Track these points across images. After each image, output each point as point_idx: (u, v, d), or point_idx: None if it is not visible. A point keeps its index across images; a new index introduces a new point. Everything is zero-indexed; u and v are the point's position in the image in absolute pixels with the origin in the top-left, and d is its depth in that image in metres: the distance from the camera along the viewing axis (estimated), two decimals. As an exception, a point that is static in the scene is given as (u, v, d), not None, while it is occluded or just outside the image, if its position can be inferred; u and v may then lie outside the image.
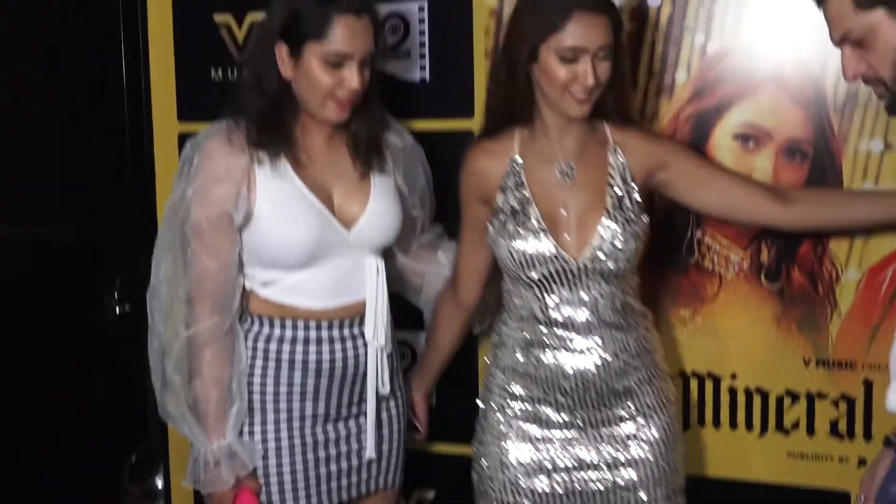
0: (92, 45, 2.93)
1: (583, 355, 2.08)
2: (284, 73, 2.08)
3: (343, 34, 2.02)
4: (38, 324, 3.14)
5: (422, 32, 2.54)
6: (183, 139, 2.72)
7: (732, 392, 2.40)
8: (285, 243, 2.08)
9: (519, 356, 2.14)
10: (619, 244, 2.06)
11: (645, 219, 2.11)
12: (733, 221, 2.25)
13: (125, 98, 2.89)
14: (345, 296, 2.16)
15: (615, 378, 2.09)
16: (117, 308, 3.01)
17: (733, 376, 2.39)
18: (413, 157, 2.33)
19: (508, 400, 2.15)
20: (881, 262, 2.25)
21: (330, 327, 2.15)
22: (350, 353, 2.17)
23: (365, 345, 2.19)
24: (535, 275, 2.08)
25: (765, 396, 2.37)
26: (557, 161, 2.10)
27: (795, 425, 2.36)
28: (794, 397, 2.35)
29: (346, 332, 2.17)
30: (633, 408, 2.11)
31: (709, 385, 2.41)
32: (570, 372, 2.09)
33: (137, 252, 2.91)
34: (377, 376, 2.20)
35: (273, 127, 2.09)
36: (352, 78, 2.05)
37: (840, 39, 1.73)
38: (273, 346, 2.14)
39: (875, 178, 2.22)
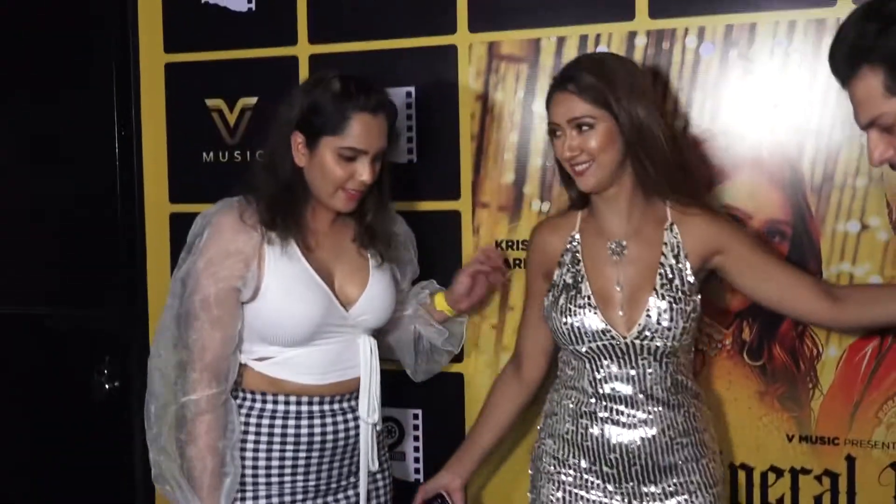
0: (85, 126, 2.96)
1: (629, 429, 2.09)
2: (298, 160, 2.15)
3: (359, 131, 2.10)
4: (27, 400, 3.13)
5: (409, 116, 2.60)
6: (174, 220, 2.81)
7: (718, 468, 2.40)
8: (290, 320, 2.12)
9: (569, 425, 2.15)
10: (665, 323, 2.07)
11: (696, 298, 2.11)
12: (781, 313, 2.25)
13: (117, 179, 2.91)
14: (339, 373, 2.19)
15: (661, 454, 2.10)
16: (106, 386, 3.00)
17: (718, 452, 2.40)
18: (407, 244, 2.40)
19: (558, 467, 2.17)
20: (860, 340, 2.28)
21: (321, 402, 2.18)
22: (341, 427, 2.19)
23: (356, 419, 2.22)
24: (583, 349, 2.11)
25: (749, 472, 2.39)
26: (610, 239, 2.15)
27: (780, 501, 2.37)
28: (779, 473, 2.37)
29: (338, 406, 2.20)
30: (678, 485, 2.11)
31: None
32: (616, 445, 2.10)
33: (126, 331, 2.95)
34: (368, 453, 2.23)
35: (285, 211, 2.13)
36: (363, 172, 2.12)
37: (868, 124, 1.64)
38: (265, 421, 2.16)
39: (853, 259, 2.27)
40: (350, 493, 2.25)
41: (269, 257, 2.12)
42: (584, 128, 2.07)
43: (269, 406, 2.16)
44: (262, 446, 2.15)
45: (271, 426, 2.15)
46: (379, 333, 2.36)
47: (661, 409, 2.10)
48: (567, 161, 2.10)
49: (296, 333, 2.13)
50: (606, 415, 2.11)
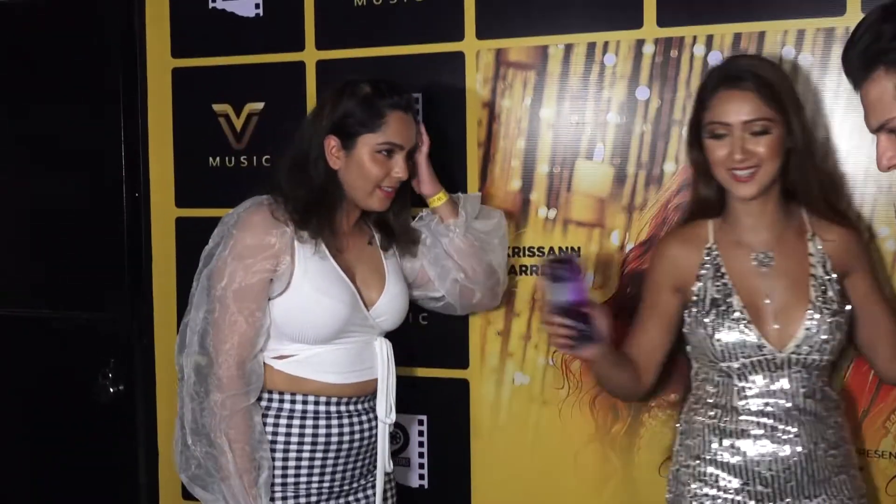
0: (91, 130, 2.94)
1: (784, 445, 2.01)
2: (332, 164, 2.16)
3: (396, 127, 2.15)
4: (31, 401, 3.11)
5: (417, 122, 2.57)
6: (180, 224, 2.79)
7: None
8: (319, 316, 2.12)
9: (714, 444, 2.05)
10: (824, 336, 1.99)
11: (848, 308, 2.04)
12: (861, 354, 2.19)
13: (123, 183, 2.89)
14: (358, 373, 2.20)
15: (816, 468, 2.01)
16: (111, 389, 2.98)
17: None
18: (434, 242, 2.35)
19: (705, 489, 2.06)
20: (867, 352, 2.25)
21: (340, 403, 2.18)
22: (360, 428, 2.20)
23: (373, 420, 2.22)
24: (736, 364, 2.02)
25: (756, 481, 2.36)
26: (754, 250, 2.06)
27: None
28: (785, 482, 2.34)
29: (359, 407, 2.21)
30: (830, 498, 2.03)
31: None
32: (771, 461, 2.01)
33: (131, 335, 2.92)
34: (385, 453, 2.24)
35: (319, 214, 2.14)
36: (399, 168, 2.16)
37: (878, 127, 1.59)
38: (285, 422, 2.15)
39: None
40: (363, 494, 2.25)
41: (299, 253, 2.13)
42: (759, 131, 1.97)
43: (288, 406, 2.16)
44: (282, 446, 2.15)
45: (290, 426, 2.15)
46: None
47: (813, 422, 2.01)
48: (730, 166, 1.98)
49: (323, 329, 2.13)
50: (760, 432, 2.01)
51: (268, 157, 2.73)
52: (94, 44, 2.94)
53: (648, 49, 2.38)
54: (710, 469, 2.05)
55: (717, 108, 1.99)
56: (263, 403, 2.15)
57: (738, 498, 2.03)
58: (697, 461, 2.08)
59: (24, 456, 3.15)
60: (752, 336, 1.99)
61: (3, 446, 3.16)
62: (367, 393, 2.22)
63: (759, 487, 2.01)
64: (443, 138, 2.51)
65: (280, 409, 2.15)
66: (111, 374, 2.98)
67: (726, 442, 2.04)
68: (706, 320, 2.03)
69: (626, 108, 2.41)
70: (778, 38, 2.29)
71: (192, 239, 2.76)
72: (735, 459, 2.03)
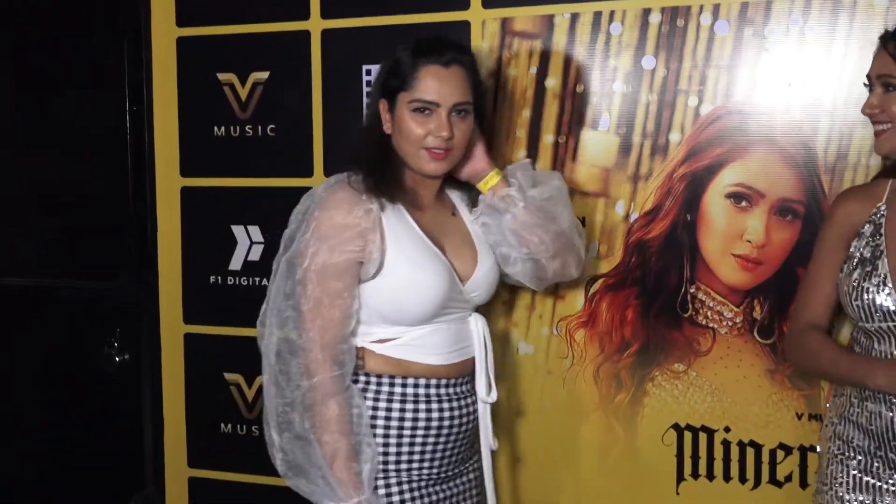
0: (97, 100, 2.93)
1: None
2: (385, 128, 2.08)
3: (429, 83, 2.01)
4: (39, 370, 3.11)
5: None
6: (185, 194, 2.78)
7: (726, 445, 2.39)
8: (418, 293, 2.01)
9: (855, 406, 2.02)
10: None
11: None
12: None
13: (129, 153, 2.88)
14: (458, 353, 2.10)
15: None
16: (117, 358, 2.99)
17: (727, 429, 2.39)
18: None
19: (844, 449, 2.03)
20: (872, 319, 2.24)
21: (446, 385, 2.09)
22: (464, 412, 2.11)
23: (474, 401, 2.13)
24: (872, 327, 1.98)
25: (758, 449, 2.37)
26: None
27: (788, 478, 2.36)
28: (788, 451, 2.35)
29: (461, 389, 2.11)
30: None
31: (703, 438, 2.41)
32: None
33: (138, 303, 2.92)
34: (488, 431, 2.15)
35: (383, 176, 2.05)
36: (439, 127, 2.01)
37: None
38: (395, 405, 2.05)
39: (864, 237, 2.23)
40: (467, 478, 2.17)
41: (389, 230, 2.02)
42: (891, 88, 1.93)
43: (397, 389, 2.05)
44: (388, 431, 2.04)
45: (401, 410, 2.05)
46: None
47: None
48: (869, 118, 1.97)
49: (424, 308, 2.02)
50: (891, 398, 1.94)
51: (273, 126, 2.72)
52: (98, 14, 2.91)
53: (655, 18, 2.36)
54: (849, 429, 2.03)
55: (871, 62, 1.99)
56: (372, 388, 2.05)
57: (875, 463, 1.99)
58: (840, 421, 2.05)
59: (31, 425, 3.16)
60: (889, 301, 1.94)
61: (11, 415, 3.17)
62: (466, 373, 2.12)
63: (892, 455, 1.97)
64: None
65: (390, 394, 2.05)
66: (117, 344, 2.99)
67: (865, 406, 2.00)
68: (851, 278, 1.99)
69: (632, 78, 2.39)
70: (785, 6, 2.27)
71: (197, 208, 2.81)
72: (870, 423, 1.98)
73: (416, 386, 2.06)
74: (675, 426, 2.43)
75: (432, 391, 2.07)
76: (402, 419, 2.05)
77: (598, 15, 2.41)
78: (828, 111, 2.25)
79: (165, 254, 2.86)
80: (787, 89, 2.29)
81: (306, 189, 2.62)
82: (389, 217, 2.04)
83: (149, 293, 2.88)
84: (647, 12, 2.37)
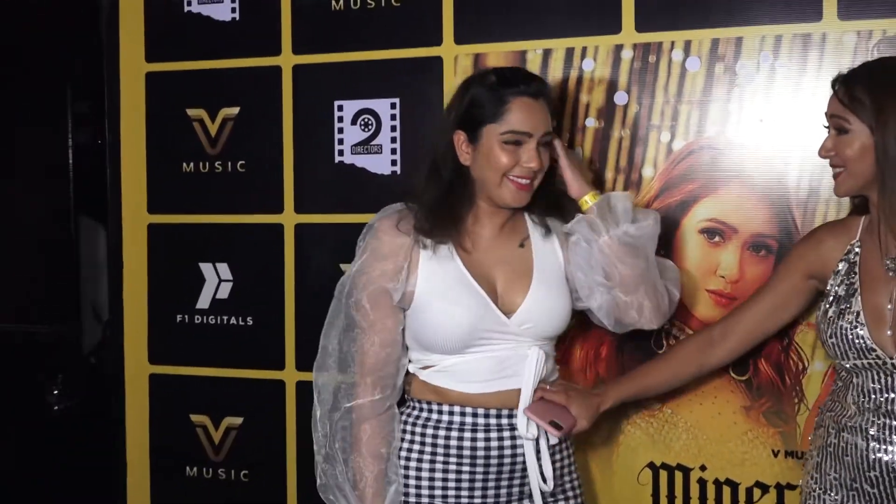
0: (41, 138, 2.95)
1: (891, 447, 1.99)
2: (463, 159, 2.13)
3: (520, 115, 2.08)
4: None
5: (393, 128, 2.62)
6: (153, 231, 2.81)
7: (702, 484, 2.43)
8: (443, 326, 2.09)
9: (832, 437, 2.06)
10: None
11: None
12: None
13: (71, 189, 2.89)
14: (502, 382, 2.12)
15: None
16: (58, 404, 2.99)
17: (703, 468, 2.43)
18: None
19: (822, 482, 2.07)
20: (846, 354, 2.30)
21: (486, 415, 2.12)
22: (505, 444, 2.12)
23: (518, 435, 2.13)
24: (847, 364, 2.02)
25: (734, 488, 2.41)
26: (887, 254, 2.03)
27: (766, 517, 2.40)
28: (765, 489, 2.39)
29: (503, 421, 2.12)
30: None
31: (678, 477, 2.44)
32: (876, 461, 1.99)
33: (79, 348, 2.92)
34: (538, 471, 2.13)
35: (445, 214, 2.12)
36: (530, 158, 2.08)
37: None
38: (429, 431, 2.13)
39: (837, 272, 2.29)
40: None
41: (422, 262, 2.12)
42: (843, 131, 2.00)
43: (434, 416, 2.13)
44: (426, 456, 2.12)
45: (434, 436, 2.13)
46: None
47: None
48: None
49: (450, 338, 2.09)
50: (874, 432, 1.99)
51: (243, 162, 2.76)
52: (66, 48, 2.94)
53: (627, 54, 2.43)
54: (826, 461, 2.07)
55: None
56: (413, 413, 2.16)
57: (851, 494, 2.02)
58: (818, 451, 2.10)
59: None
60: (864, 338, 1.98)
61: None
62: (511, 405, 2.13)
63: (867, 487, 2.01)
64: (421, 144, 2.55)
65: (427, 420, 2.14)
66: (58, 390, 2.98)
67: (841, 436, 2.04)
68: (827, 315, 2.04)
69: (605, 113, 2.45)
70: (755, 43, 2.34)
71: (165, 245, 2.84)
72: (846, 455, 2.02)
73: (451, 413, 2.12)
74: (651, 465, 2.46)
75: (468, 419, 2.12)
76: (438, 444, 2.12)
77: (570, 51, 2.47)
78: (799, 146, 2.32)
79: (131, 291, 2.87)
80: (759, 125, 2.35)
81: (276, 226, 2.72)
82: (427, 249, 2.13)
83: (114, 332, 2.89)
84: (619, 48, 2.44)
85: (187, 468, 2.84)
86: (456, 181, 2.13)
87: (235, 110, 2.76)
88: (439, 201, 2.13)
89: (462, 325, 2.08)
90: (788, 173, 2.33)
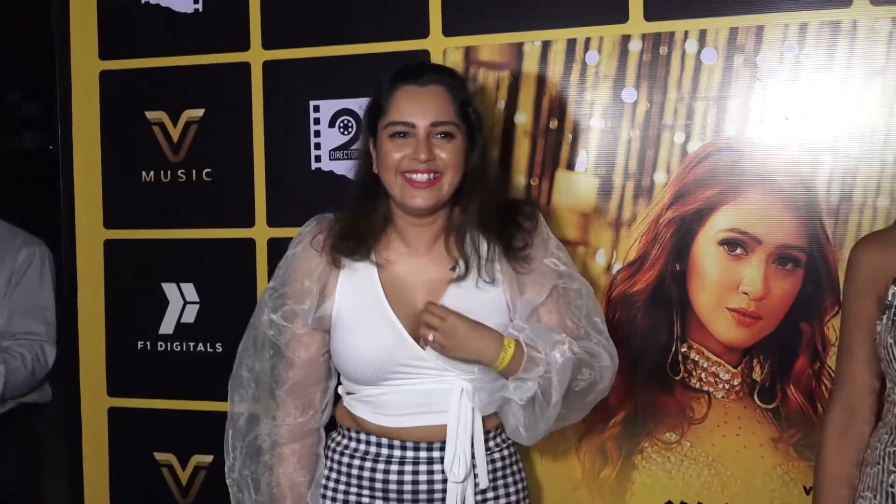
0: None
1: None
2: (375, 167, 2.06)
3: (402, 104, 2.00)
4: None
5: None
6: (109, 247, 2.73)
7: (727, 525, 2.36)
8: (351, 357, 2.04)
9: (893, 476, 1.96)
10: None
11: None
12: None
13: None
14: (428, 419, 2.04)
15: None
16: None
17: (726, 506, 2.35)
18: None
19: None
20: (883, 381, 2.22)
21: (403, 447, 2.05)
22: (422, 478, 2.04)
23: (443, 471, 2.05)
24: None
25: (762, 531, 2.34)
26: None
27: (797, 560, 2.32)
28: (795, 531, 2.32)
29: (422, 454, 2.05)
30: None
31: (700, 518, 2.37)
32: None
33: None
34: None
35: (356, 228, 2.05)
36: (418, 148, 1.98)
37: None
38: (345, 460, 2.09)
39: (874, 287, 2.20)
40: None
41: (340, 281, 2.06)
42: None
43: (352, 444, 2.09)
44: (341, 486, 2.09)
45: (349, 465, 2.08)
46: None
47: None
48: None
49: (360, 371, 2.04)
50: None
51: (209, 170, 2.68)
52: (11, 44, 2.85)
53: (635, 46, 2.36)
54: (887, 503, 1.97)
55: None
56: (336, 438, 2.13)
57: None
58: (873, 493, 1.99)
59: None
60: None
61: None
62: (437, 439, 2.04)
63: None
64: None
65: (345, 447, 2.10)
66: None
67: None
68: (893, 332, 1.96)
69: (612, 112, 2.38)
70: (778, 32, 2.27)
71: (123, 264, 2.76)
72: None
73: (367, 443, 2.08)
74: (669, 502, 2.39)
75: (384, 451, 2.06)
76: (352, 475, 2.08)
77: (572, 42, 2.40)
78: (829, 147, 2.25)
79: (87, 315, 2.79)
80: (784, 123, 2.28)
81: (247, 241, 2.64)
82: (347, 273, 2.05)
83: (67, 361, 2.78)
84: (626, 39, 2.36)
85: (152, 512, 2.76)
86: (368, 190, 2.07)
87: (200, 112, 2.68)
88: (353, 214, 2.07)
89: (371, 358, 2.02)
90: (817, 177, 2.26)
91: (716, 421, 2.34)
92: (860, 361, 2.03)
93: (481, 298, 2.03)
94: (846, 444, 2.04)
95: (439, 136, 1.99)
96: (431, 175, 1.98)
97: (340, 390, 2.13)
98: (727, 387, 2.33)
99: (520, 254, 2.04)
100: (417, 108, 1.98)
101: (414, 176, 1.98)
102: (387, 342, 2.01)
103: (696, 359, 2.34)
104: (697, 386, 2.34)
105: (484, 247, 2.04)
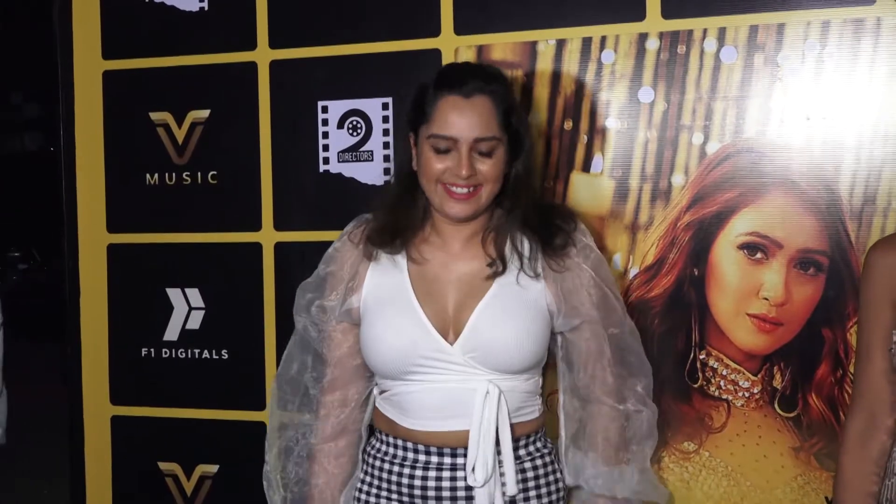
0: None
1: None
2: (414, 164, 2.09)
3: (445, 116, 2.00)
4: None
5: (386, 131, 2.56)
6: (113, 252, 2.75)
7: (747, 538, 2.37)
8: (376, 348, 2.07)
9: None
10: None
11: None
12: None
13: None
14: (450, 424, 2.04)
15: None
16: None
17: (747, 519, 2.36)
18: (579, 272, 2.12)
19: None
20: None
21: (428, 452, 2.06)
22: (446, 484, 2.05)
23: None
24: None
25: (784, 542, 2.35)
26: None
27: (819, 574, 2.33)
28: (817, 542, 2.33)
29: (446, 460, 2.05)
30: None
31: (719, 530, 2.38)
32: None
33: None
34: None
35: (393, 222, 2.09)
36: (459, 164, 2.00)
37: None
38: (377, 464, 2.12)
39: (899, 293, 2.21)
40: None
41: (370, 275, 2.11)
42: None
43: (383, 448, 2.12)
44: (373, 490, 2.12)
45: (380, 469, 2.11)
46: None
47: None
48: None
49: (384, 364, 2.06)
50: None
51: (214, 173, 2.69)
52: (11, 42, 2.86)
53: (652, 44, 2.37)
54: None
55: None
56: (371, 441, 2.18)
57: None
58: None
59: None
60: None
61: None
62: (464, 445, 2.05)
63: None
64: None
65: (376, 450, 2.14)
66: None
67: None
68: None
69: (628, 113, 2.39)
70: (800, 30, 2.28)
71: (127, 269, 2.77)
72: None
73: (395, 447, 2.10)
74: (688, 516, 2.40)
75: (410, 455, 2.08)
76: (383, 479, 2.10)
77: (587, 41, 2.40)
78: (852, 148, 2.26)
79: (89, 319, 2.80)
80: (805, 124, 2.29)
81: (254, 245, 2.66)
82: (379, 266, 2.10)
83: (70, 368, 2.80)
84: (643, 38, 2.37)
85: (156, 525, 2.78)
86: (408, 186, 2.10)
87: (205, 113, 2.70)
88: (390, 208, 2.11)
89: (396, 350, 2.04)
90: (840, 179, 2.27)
91: (735, 430, 2.34)
92: (878, 370, 2.03)
93: (523, 295, 2.05)
94: (866, 455, 2.04)
95: (481, 153, 2.01)
96: (471, 188, 2.01)
97: (375, 391, 2.17)
98: (747, 395, 2.33)
99: (560, 251, 2.06)
100: (462, 123, 1.99)
101: (454, 188, 2.01)
102: (411, 334, 2.03)
103: (716, 366, 2.35)
104: (716, 394, 2.35)
105: (526, 246, 2.07)
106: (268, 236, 2.65)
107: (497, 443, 2.03)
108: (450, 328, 2.04)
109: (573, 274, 2.07)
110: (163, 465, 2.76)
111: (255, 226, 2.66)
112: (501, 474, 2.03)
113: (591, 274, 2.08)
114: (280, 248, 2.65)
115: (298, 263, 2.58)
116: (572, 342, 2.09)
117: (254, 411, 2.67)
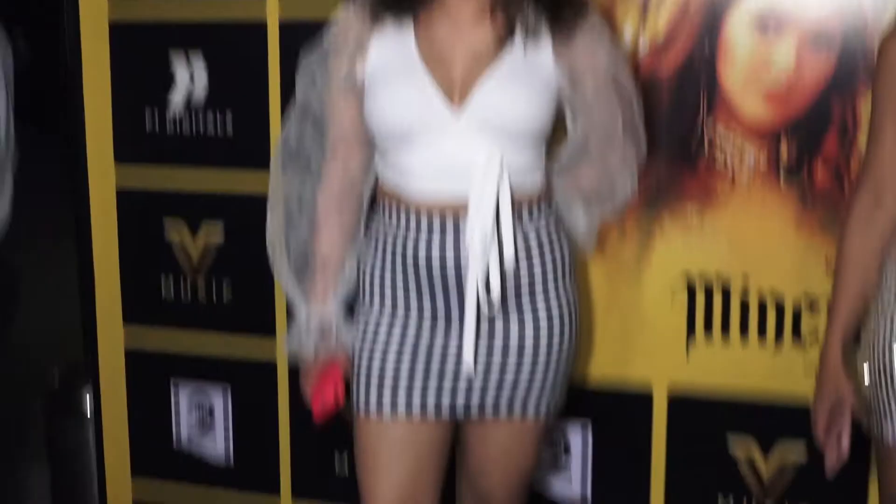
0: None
1: None
2: None
3: None
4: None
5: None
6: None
7: (744, 294, 2.42)
8: (382, 113, 2.11)
9: None
10: None
11: None
12: None
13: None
14: (452, 186, 2.10)
15: None
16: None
17: (745, 277, 2.42)
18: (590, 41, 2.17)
19: None
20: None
21: (430, 219, 2.11)
22: (450, 254, 2.11)
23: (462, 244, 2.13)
24: None
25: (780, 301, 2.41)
26: None
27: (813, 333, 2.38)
28: (815, 303, 2.38)
29: (450, 225, 2.11)
30: None
31: (717, 287, 2.42)
32: None
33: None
34: (479, 284, 2.08)
35: None
36: None
37: None
38: (380, 236, 2.18)
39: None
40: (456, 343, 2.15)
41: (374, 42, 2.14)
42: None
43: (386, 218, 2.17)
44: (378, 259, 2.18)
45: (384, 239, 2.16)
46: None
47: None
48: None
49: (389, 128, 2.11)
50: None
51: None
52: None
53: None
54: None
55: None
56: (376, 213, 2.22)
57: None
58: None
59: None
60: None
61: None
62: (459, 214, 2.11)
63: None
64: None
65: (380, 221, 2.19)
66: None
67: None
68: None
69: None
70: None
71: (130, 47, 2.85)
72: None
73: (398, 216, 2.14)
74: (687, 274, 2.44)
75: (412, 222, 2.12)
76: (387, 250, 2.16)
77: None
78: None
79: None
80: None
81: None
82: (385, 35, 2.15)
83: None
84: None
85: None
86: None
87: None
88: None
89: (401, 113, 2.09)
90: None
91: (740, 199, 2.39)
92: (888, 149, 2.09)
93: (531, 66, 2.12)
94: (870, 231, 2.10)
95: None
96: None
97: (378, 159, 2.20)
98: (753, 166, 2.38)
99: (569, 25, 2.13)
100: None
101: None
102: (418, 97, 2.09)
103: (723, 138, 2.39)
104: (723, 165, 2.39)
105: (535, 18, 2.13)
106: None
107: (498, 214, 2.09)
108: (455, 93, 2.11)
109: (582, 48, 2.14)
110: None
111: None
112: (500, 242, 2.09)
113: (600, 47, 2.16)
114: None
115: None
116: (579, 112, 2.16)
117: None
